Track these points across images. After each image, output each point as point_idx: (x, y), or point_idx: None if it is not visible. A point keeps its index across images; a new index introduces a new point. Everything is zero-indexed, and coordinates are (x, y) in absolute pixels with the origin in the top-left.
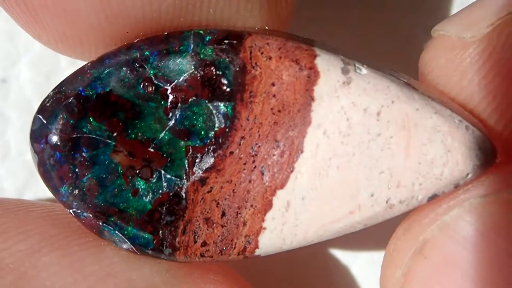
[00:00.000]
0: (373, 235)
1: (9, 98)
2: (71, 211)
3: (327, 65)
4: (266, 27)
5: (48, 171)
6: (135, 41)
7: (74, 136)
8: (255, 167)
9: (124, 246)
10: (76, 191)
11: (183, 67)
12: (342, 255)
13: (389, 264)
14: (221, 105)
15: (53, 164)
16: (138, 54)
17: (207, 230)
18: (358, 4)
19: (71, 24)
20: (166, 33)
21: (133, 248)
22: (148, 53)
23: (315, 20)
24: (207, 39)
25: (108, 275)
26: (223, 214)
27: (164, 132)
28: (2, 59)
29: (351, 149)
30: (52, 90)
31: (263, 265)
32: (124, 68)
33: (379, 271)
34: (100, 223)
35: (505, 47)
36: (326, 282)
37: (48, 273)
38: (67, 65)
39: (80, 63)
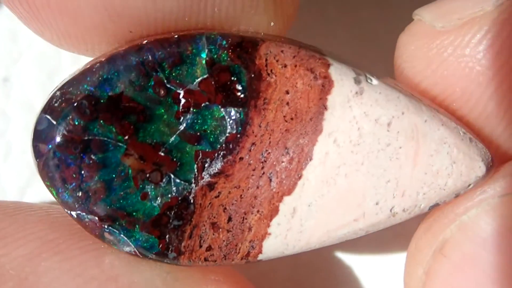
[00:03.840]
0: (377, 236)
1: (11, 97)
2: (73, 213)
3: (340, 75)
4: (272, 23)
5: (51, 172)
6: (145, 42)
7: (86, 138)
8: (264, 173)
9: (127, 249)
10: (80, 193)
11: (196, 71)
12: (346, 256)
13: (411, 262)
14: (234, 110)
15: (59, 165)
16: (149, 57)
17: (213, 234)
18: (361, 4)
19: (74, 23)
20: (176, 36)
21: (136, 251)
22: (159, 56)
23: (318, 20)
24: (223, 44)
25: (109, 279)
26: (230, 219)
27: (174, 136)
28: (4, 58)
29: (360, 158)
30: (59, 90)
31: (267, 266)
32: (134, 71)
33: (382, 271)
34: (105, 226)
35: (470, 44)
36: (330, 283)
37: (49, 278)
38: (69, 64)
39: (83, 61)
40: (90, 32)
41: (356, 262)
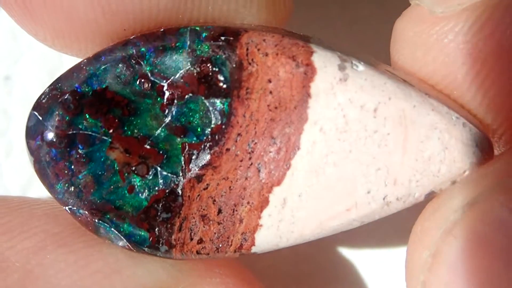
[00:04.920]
0: (378, 230)
1: (12, 96)
2: (67, 208)
3: (324, 62)
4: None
5: (43, 168)
6: (131, 37)
7: (70, 132)
8: (252, 164)
9: (120, 244)
10: (72, 188)
11: (179, 63)
12: (347, 251)
13: (416, 245)
14: (218, 101)
15: (49, 161)
16: (134, 51)
17: (203, 227)
18: (361, 2)
19: (68, 21)
20: (162, 30)
21: (129, 245)
22: (144, 50)
23: (316, 18)
24: (203, 36)
25: (113, 271)
26: (220, 211)
27: (160, 129)
28: (5, 57)
29: (347, 146)
30: (48, 87)
31: (267, 261)
32: (120, 65)
33: (384, 266)
34: (96, 220)
35: (471, 30)
36: (331, 278)
37: (54, 271)
38: (70, 63)
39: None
40: (84, 30)
41: (357, 258)
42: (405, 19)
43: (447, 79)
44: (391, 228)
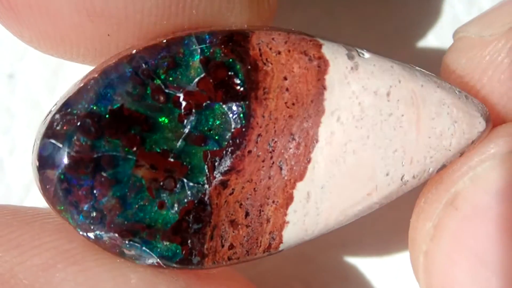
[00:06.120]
0: (383, 231)
1: (16, 94)
2: (91, 234)
3: (333, 53)
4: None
5: (63, 197)
6: (134, 52)
7: (95, 156)
8: (273, 162)
9: (149, 262)
10: (95, 213)
11: (192, 72)
12: (350, 251)
13: (419, 216)
14: (236, 105)
15: (69, 188)
16: (142, 65)
17: (233, 232)
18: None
19: (53, 23)
20: (165, 41)
21: (159, 262)
22: (152, 63)
23: (323, 16)
24: (214, 41)
25: None
26: (247, 214)
27: (180, 140)
28: (9, 55)
29: (365, 132)
30: (58, 112)
31: (272, 263)
32: (130, 81)
33: (389, 266)
34: (126, 242)
35: None
36: (336, 279)
37: None
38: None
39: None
40: (69, 33)
41: (360, 258)
42: (453, 51)
43: (506, 97)
44: (393, 229)
